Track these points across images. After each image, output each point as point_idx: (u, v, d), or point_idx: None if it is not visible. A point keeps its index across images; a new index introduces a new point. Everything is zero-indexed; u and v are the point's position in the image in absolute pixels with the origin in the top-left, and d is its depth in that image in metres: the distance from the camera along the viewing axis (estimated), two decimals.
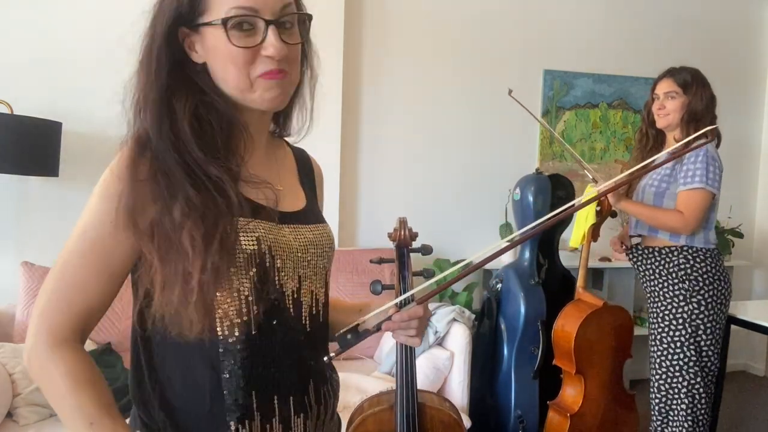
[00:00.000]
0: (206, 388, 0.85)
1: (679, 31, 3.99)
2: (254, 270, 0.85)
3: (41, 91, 2.75)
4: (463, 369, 2.60)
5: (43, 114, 2.55)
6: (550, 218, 0.87)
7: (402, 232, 0.98)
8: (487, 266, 3.42)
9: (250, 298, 0.85)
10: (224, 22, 0.82)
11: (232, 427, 0.85)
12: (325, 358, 0.89)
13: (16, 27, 2.73)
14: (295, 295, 0.91)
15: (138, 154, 0.83)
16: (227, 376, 0.85)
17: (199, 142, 0.84)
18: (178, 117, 0.84)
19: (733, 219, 3.94)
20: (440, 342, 2.72)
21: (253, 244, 0.85)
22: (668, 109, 2.39)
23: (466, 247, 3.61)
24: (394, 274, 1.02)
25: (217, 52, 0.85)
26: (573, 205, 0.91)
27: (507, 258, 3.45)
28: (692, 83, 2.36)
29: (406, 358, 1.13)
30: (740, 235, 3.94)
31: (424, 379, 2.56)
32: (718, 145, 2.41)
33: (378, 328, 0.90)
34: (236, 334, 0.85)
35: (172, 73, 0.86)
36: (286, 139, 1.07)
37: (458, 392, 2.59)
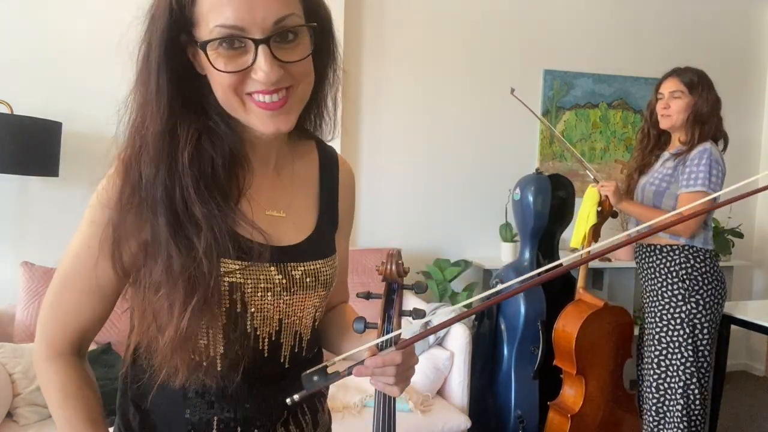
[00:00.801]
0: (173, 400, 0.86)
1: (679, 31, 3.99)
2: (224, 314, 0.82)
3: (41, 91, 2.75)
4: (463, 369, 2.60)
5: (43, 114, 2.55)
6: (542, 272, 0.75)
7: (389, 267, 0.85)
8: (487, 266, 3.42)
9: (219, 338, 0.83)
10: (203, 46, 0.74)
11: None
12: (288, 400, 0.80)
13: (16, 27, 2.72)
14: (273, 338, 0.87)
15: (125, 182, 0.79)
16: (192, 396, 0.86)
17: (196, 184, 0.78)
18: (179, 157, 0.77)
19: (733, 219, 3.94)
20: (440, 342, 2.72)
21: (225, 290, 0.81)
22: (672, 109, 2.36)
23: (466, 247, 3.61)
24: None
25: (207, 70, 0.77)
26: (562, 264, 0.81)
27: (507, 258, 3.45)
28: (698, 84, 2.34)
29: (385, 407, 0.91)
30: (740, 235, 3.93)
31: (424, 380, 2.56)
32: (725, 149, 2.40)
33: (349, 373, 0.81)
34: (204, 364, 0.84)
35: (174, 90, 0.77)
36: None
37: (458, 392, 2.59)
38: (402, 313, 0.86)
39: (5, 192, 2.72)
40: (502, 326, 2.90)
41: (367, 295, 0.89)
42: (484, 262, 3.48)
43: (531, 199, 2.87)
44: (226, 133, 0.82)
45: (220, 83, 0.76)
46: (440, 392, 2.64)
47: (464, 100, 3.59)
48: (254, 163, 0.87)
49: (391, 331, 0.83)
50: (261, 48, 0.73)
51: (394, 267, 0.85)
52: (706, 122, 2.34)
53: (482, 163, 3.64)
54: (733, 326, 2.85)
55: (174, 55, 0.77)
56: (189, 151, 0.77)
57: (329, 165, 0.99)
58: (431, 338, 2.69)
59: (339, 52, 0.89)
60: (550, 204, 2.88)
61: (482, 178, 3.64)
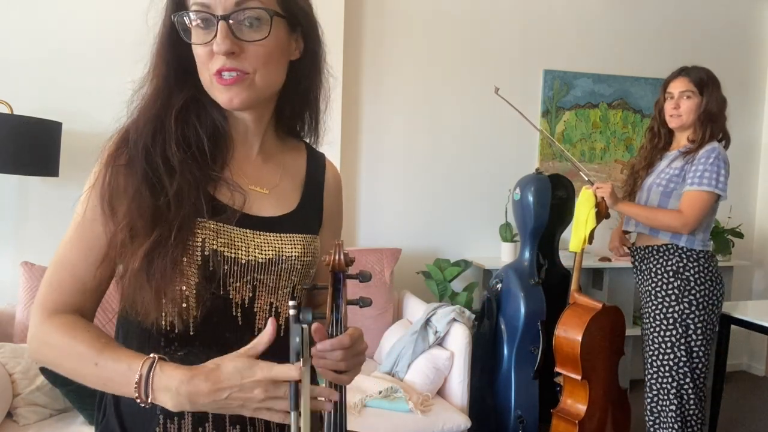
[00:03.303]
0: None
1: (679, 31, 3.99)
2: (196, 273, 0.85)
3: (41, 91, 2.75)
4: (463, 369, 2.60)
5: (43, 114, 2.55)
6: None
7: (336, 257, 0.86)
8: (487, 266, 3.42)
9: (191, 299, 0.85)
10: (175, 18, 0.85)
11: (160, 421, 0.86)
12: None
13: (16, 27, 2.72)
14: (246, 305, 0.89)
15: (120, 141, 0.88)
16: None
17: (178, 142, 0.86)
18: (168, 116, 0.87)
19: (733, 219, 3.94)
20: (440, 342, 2.72)
21: (198, 245, 0.84)
22: (682, 109, 2.35)
23: (466, 247, 3.61)
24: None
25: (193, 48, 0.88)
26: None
27: (507, 258, 3.45)
28: (708, 83, 2.34)
29: (337, 404, 0.88)
30: (740, 235, 3.93)
31: (424, 380, 2.57)
32: (726, 147, 2.40)
33: (297, 359, 0.79)
34: (176, 330, 0.85)
35: (175, 63, 0.88)
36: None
37: (458, 392, 2.59)
38: (350, 302, 0.87)
39: (5, 192, 2.72)
40: (502, 326, 2.90)
41: (313, 287, 0.91)
42: (484, 262, 3.47)
43: (531, 199, 2.87)
44: (211, 108, 0.91)
45: (196, 59, 0.87)
46: (440, 392, 2.64)
47: (464, 100, 3.59)
48: (237, 143, 0.95)
49: (340, 320, 0.85)
50: (220, 23, 0.82)
51: (342, 257, 0.86)
52: (716, 121, 2.33)
53: (482, 163, 3.64)
54: (733, 326, 2.85)
55: (177, 38, 0.87)
56: (176, 113, 0.87)
57: (316, 163, 1.05)
58: (431, 338, 2.69)
59: (323, 51, 0.97)
60: (549, 204, 2.88)
61: (482, 178, 3.64)
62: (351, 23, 3.29)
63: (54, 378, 2.15)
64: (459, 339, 2.64)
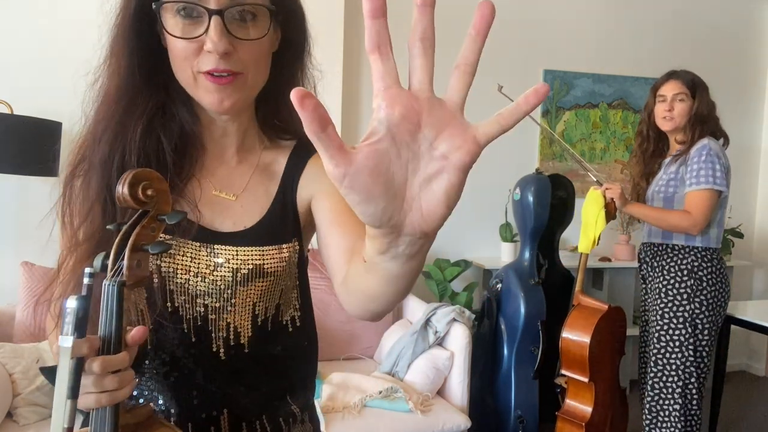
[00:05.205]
0: None
1: (679, 31, 3.99)
2: (144, 287, 0.81)
3: (41, 91, 2.74)
4: (463, 369, 2.60)
5: (43, 114, 2.55)
6: None
7: (120, 189, 0.69)
8: (488, 266, 3.42)
9: (145, 312, 0.83)
10: (158, 6, 0.76)
11: None
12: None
13: (17, 27, 2.72)
14: (199, 322, 0.84)
15: (81, 156, 0.84)
16: None
17: (138, 154, 0.80)
18: (131, 126, 0.80)
19: (733, 219, 3.93)
20: (440, 342, 2.72)
21: None
22: (676, 111, 2.36)
23: (466, 247, 3.61)
24: None
25: (168, 42, 0.79)
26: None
27: (507, 258, 3.45)
28: (698, 86, 2.36)
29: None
30: (740, 235, 3.93)
31: (424, 380, 2.56)
32: (725, 146, 2.41)
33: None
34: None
35: (139, 60, 0.80)
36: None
37: (458, 392, 2.59)
38: (135, 247, 0.70)
39: (5, 192, 2.72)
40: (502, 326, 2.90)
41: (119, 226, 0.72)
42: (484, 262, 3.47)
43: (531, 199, 2.87)
44: (182, 113, 0.84)
45: (176, 55, 0.78)
46: (440, 392, 2.64)
47: None
48: (210, 145, 0.88)
49: (120, 269, 0.69)
50: (214, 18, 0.74)
51: (125, 189, 0.68)
52: (706, 122, 2.35)
53: (482, 163, 3.58)
54: (733, 326, 2.85)
55: (143, 26, 0.79)
56: (143, 124, 0.80)
57: (300, 154, 0.92)
58: (431, 338, 2.69)
59: (310, 45, 0.90)
60: (550, 204, 2.88)
61: (482, 178, 3.62)
62: (351, 23, 3.29)
63: (54, 378, 2.15)
64: (459, 339, 2.64)
